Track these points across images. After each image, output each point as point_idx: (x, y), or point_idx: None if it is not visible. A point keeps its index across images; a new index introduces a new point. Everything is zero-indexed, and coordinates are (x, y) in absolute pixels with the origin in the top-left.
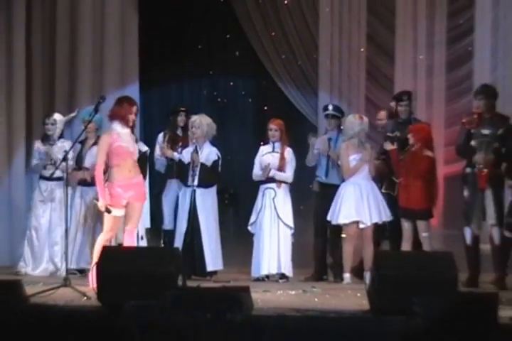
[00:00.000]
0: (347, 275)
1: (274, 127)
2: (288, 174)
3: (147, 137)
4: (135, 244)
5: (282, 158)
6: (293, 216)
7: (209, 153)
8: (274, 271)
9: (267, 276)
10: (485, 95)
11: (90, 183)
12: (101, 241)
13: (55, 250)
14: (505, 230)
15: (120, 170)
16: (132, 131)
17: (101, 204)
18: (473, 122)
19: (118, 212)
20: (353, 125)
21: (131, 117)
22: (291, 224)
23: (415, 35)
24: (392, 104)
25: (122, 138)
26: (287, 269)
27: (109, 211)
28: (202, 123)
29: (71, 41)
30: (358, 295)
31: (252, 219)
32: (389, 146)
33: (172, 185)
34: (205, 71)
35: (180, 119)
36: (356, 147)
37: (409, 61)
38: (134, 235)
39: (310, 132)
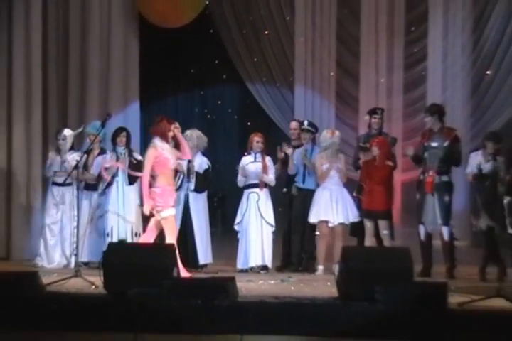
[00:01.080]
0: (320, 268)
1: (260, 139)
2: (271, 177)
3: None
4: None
5: (265, 166)
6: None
7: (201, 163)
8: (259, 263)
9: (251, 268)
10: (433, 113)
11: (94, 188)
12: (174, 242)
13: (65, 245)
14: (509, 228)
15: (166, 178)
16: (176, 146)
17: (145, 209)
18: (426, 136)
19: (173, 211)
20: (326, 138)
21: (170, 134)
22: (272, 222)
23: (377, 61)
24: (366, 117)
25: (167, 151)
26: (269, 262)
27: (152, 214)
28: (193, 136)
29: (82, 65)
30: (328, 284)
31: (238, 219)
32: (363, 157)
33: None
34: (196, 91)
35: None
36: (329, 157)
37: (372, 83)
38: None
39: (284, 142)
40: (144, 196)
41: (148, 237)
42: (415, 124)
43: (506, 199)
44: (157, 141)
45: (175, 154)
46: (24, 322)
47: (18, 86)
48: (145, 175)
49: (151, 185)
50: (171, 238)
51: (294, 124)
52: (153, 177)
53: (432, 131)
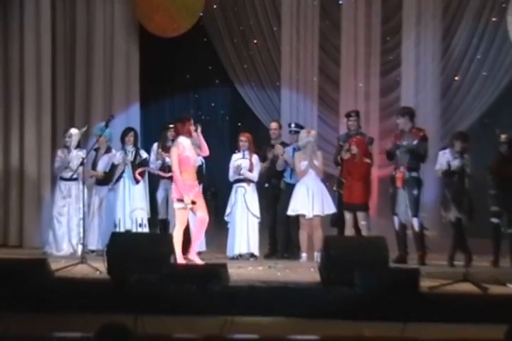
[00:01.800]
0: (304, 255)
1: (244, 139)
2: (254, 174)
3: (147, 146)
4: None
5: (251, 163)
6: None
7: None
8: (244, 251)
9: (240, 255)
10: (404, 114)
11: (103, 183)
12: (179, 232)
13: (72, 235)
14: (493, 218)
15: (188, 174)
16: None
17: (186, 201)
18: (398, 136)
19: (188, 205)
20: (302, 138)
21: (192, 128)
22: (258, 214)
23: (356, 68)
24: (345, 120)
25: (187, 149)
26: (255, 250)
27: (194, 202)
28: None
29: (87, 71)
30: (312, 270)
31: (228, 211)
32: (345, 155)
33: (163, 184)
34: (191, 95)
35: (170, 134)
36: (307, 155)
37: (351, 88)
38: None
39: (276, 143)
40: (181, 190)
41: (197, 229)
42: (391, 125)
43: (492, 192)
44: (180, 140)
45: (195, 151)
46: (34, 305)
47: (29, 90)
48: (175, 171)
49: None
50: (178, 228)
51: (274, 125)
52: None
53: (403, 131)
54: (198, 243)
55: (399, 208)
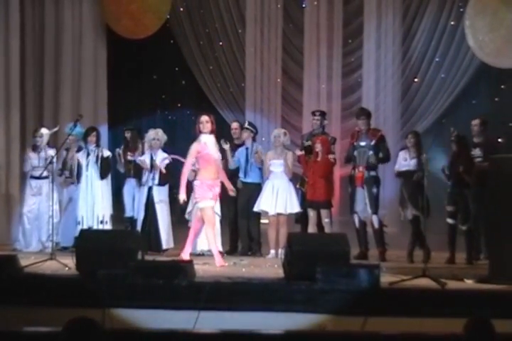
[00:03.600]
0: (272, 252)
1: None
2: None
3: (114, 146)
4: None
5: None
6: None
7: (163, 159)
8: (206, 247)
9: (202, 252)
10: (364, 115)
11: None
12: (211, 230)
13: (42, 232)
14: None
15: (207, 172)
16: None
17: (180, 198)
18: (354, 137)
19: (210, 203)
20: (277, 138)
21: (207, 125)
22: (219, 212)
23: (318, 70)
24: (310, 119)
25: (209, 147)
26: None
27: (186, 202)
28: (159, 135)
29: (56, 71)
30: (275, 266)
31: (189, 208)
32: (298, 152)
33: (129, 182)
34: (158, 95)
35: (128, 135)
36: (278, 154)
37: (314, 89)
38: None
39: (222, 138)
40: (180, 186)
41: (197, 227)
42: (352, 125)
43: (447, 190)
44: (203, 137)
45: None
46: (4, 299)
47: None
48: (185, 166)
49: (193, 178)
50: (207, 227)
51: (234, 125)
52: (195, 171)
53: (360, 132)
54: (191, 243)
55: (358, 206)
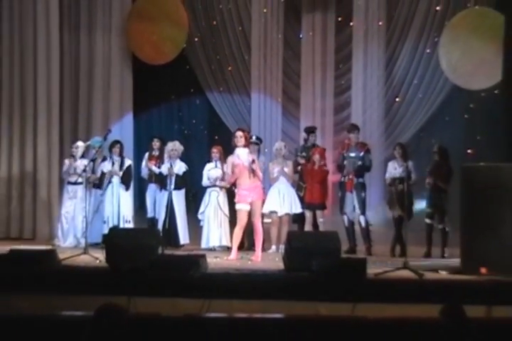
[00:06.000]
0: (273, 247)
1: (215, 150)
2: (226, 183)
3: (140, 154)
4: (261, 229)
5: (223, 172)
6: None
7: (180, 167)
8: (217, 244)
9: (214, 247)
10: (355, 130)
11: (99, 186)
12: (237, 231)
13: (77, 230)
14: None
15: (243, 179)
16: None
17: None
18: (344, 148)
19: (245, 207)
20: (279, 150)
21: (241, 140)
22: (228, 214)
23: (314, 90)
24: (304, 134)
25: (241, 158)
26: (228, 243)
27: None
28: (176, 146)
29: (89, 91)
30: (277, 259)
31: (201, 209)
32: (301, 161)
33: (151, 188)
34: (175, 113)
35: (154, 144)
36: (280, 163)
37: (309, 107)
38: (259, 223)
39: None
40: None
41: (240, 226)
42: (342, 138)
43: (427, 194)
44: (237, 150)
45: (249, 157)
46: (44, 289)
47: (41, 108)
48: (230, 176)
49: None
50: (237, 226)
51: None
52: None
53: (349, 144)
54: (259, 246)
55: (347, 208)
